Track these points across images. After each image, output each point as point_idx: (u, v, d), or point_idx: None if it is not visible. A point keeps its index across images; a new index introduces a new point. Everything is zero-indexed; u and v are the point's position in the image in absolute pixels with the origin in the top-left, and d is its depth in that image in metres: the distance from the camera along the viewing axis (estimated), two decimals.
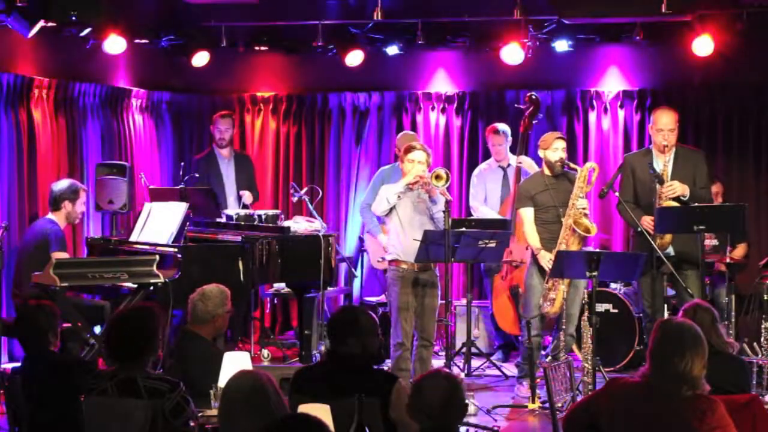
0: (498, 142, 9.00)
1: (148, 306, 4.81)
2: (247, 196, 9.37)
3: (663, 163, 7.66)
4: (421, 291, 7.54)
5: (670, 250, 7.71)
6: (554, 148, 7.62)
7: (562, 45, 9.38)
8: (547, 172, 7.71)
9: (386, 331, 7.86)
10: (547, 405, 6.35)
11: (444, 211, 7.32)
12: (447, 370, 4.00)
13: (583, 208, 7.51)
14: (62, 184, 8.13)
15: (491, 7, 9.24)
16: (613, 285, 8.77)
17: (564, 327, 7.52)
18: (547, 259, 7.50)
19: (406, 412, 4.00)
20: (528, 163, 8.63)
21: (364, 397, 4.22)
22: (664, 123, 7.71)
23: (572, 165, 7.72)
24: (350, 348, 4.69)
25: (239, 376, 3.98)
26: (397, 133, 9.84)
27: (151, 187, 9.12)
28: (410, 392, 3.95)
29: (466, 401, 3.97)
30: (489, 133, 9.09)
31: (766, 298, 7.78)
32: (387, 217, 7.59)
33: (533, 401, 7.36)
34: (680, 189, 7.56)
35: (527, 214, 7.70)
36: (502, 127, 9.04)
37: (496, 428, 6.85)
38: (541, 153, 7.72)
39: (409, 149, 7.53)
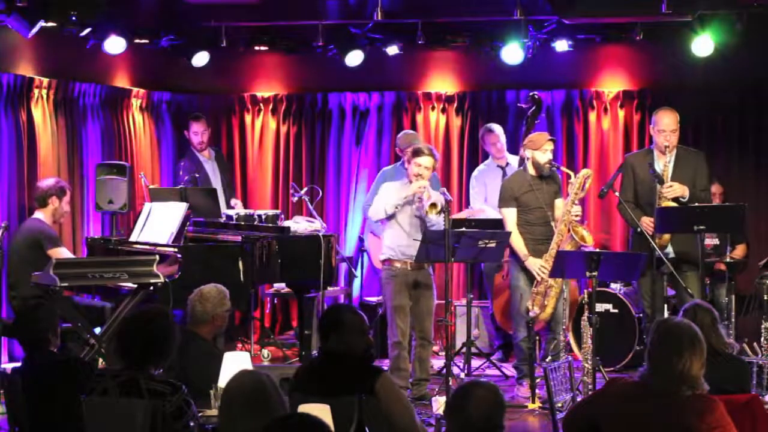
0: (493, 140, 9.02)
1: (164, 310, 4.77)
2: (239, 205, 9.39)
3: (664, 163, 7.66)
4: (416, 291, 7.55)
5: (671, 251, 7.72)
6: (544, 150, 7.63)
7: (562, 45, 9.38)
8: (531, 172, 7.69)
9: (384, 331, 7.87)
10: (547, 405, 6.36)
11: (444, 211, 7.33)
12: (495, 385, 3.89)
13: (576, 215, 7.52)
14: (48, 182, 8.12)
15: (491, 7, 9.24)
16: (613, 285, 8.77)
17: (564, 327, 7.54)
18: (537, 266, 7.50)
19: (444, 413, 3.94)
20: None
21: (363, 396, 4.24)
22: (666, 123, 7.71)
23: (564, 169, 7.73)
24: (333, 345, 4.71)
25: (240, 376, 3.98)
26: (397, 134, 9.84)
27: (151, 187, 9.11)
28: (452, 397, 3.85)
29: (504, 423, 3.81)
30: (483, 135, 9.10)
31: (766, 298, 7.79)
32: (384, 219, 7.61)
33: (533, 401, 7.37)
34: (680, 190, 7.57)
35: (510, 214, 7.68)
36: (495, 126, 9.07)
37: None
38: (528, 153, 7.70)
39: (417, 152, 7.53)
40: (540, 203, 7.61)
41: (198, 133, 9.53)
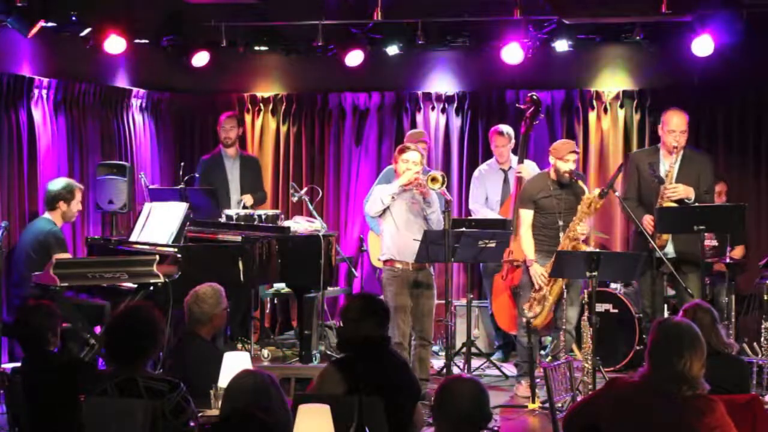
0: (501, 143, 9.00)
1: (145, 305, 4.79)
2: (248, 199, 9.37)
3: (669, 164, 7.66)
4: (417, 291, 7.55)
5: (671, 251, 7.72)
6: (566, 159, 7.63)
7: (562, 45, 9.37)
8: (553, 176, 7.71)
9: None
10: (547, 405, 6.36)
11: (444, 212, 7.33)
12: (473, 377, 3.95)
13: (582, 234, 7.52)
14: (58, 184, 8.12)
15: (491, 7, 9.24)
16: (613, 285, 8.77)
17: (564, 327, 7.54)
18: (539, 273, 7.53)
19: (431, 416, 3.98)
20: (527, 172, 8.56)
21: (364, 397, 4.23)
22: (676, 124, 7.72)
23: (581, 183, 7.70)
24: (377, 332, 4.78)
25: (242, 376, 3.98)
26: (397, 134, 9.87)
27: (151, 187, 9.12)
28: (436, 396, 3.89)
29: (491, 410, 3.90)
30: (492, 135, 9.08)
31: (766, 298, 7.78)
32: (381, 218, 7.60)
33: (533, 401, 7.37)
34: (683, 192, 7.57)
35: (526, 216, 7.70)
36: (506, 128, 9.03)
37: (496, 428, 6.85)
38: (551, 160, 7.73)
39: (402, 149, 7.55)
40: (556, 209, 7.63)
41: (226, 129, 9.56)
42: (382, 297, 7.96)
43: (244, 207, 9.15)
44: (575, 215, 7.52)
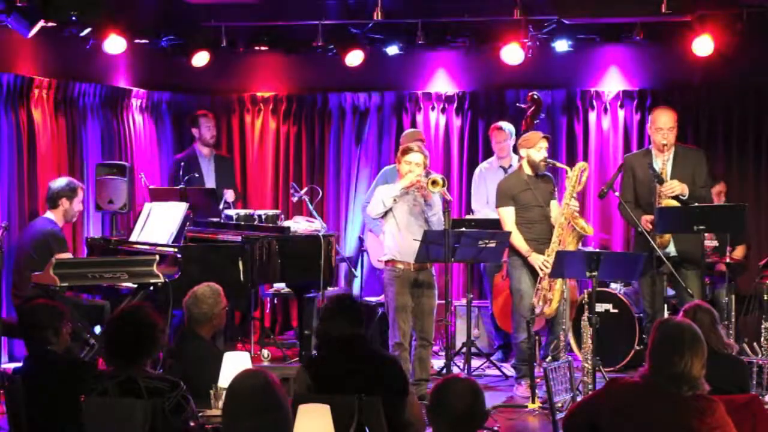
0: (501, 138, 9.01)
1: (144, 305, 4.80)
2: (230, 194, 9.37)
3: (662, 162, 7.67)
4: (418, 291, 7.55)
5: (673, 250, 7.72)
6: (539, 148, 7.67)
7: (562, 45, 9.38)
8: (527, 171, 7.73)
9: (385, 331, 7.88)
10: (547, 405, 6.36)
11: (444, 211, 7.33)
12: (468, 377, 3.98)
13: (575, 208, 7.54)
14: (60, 182, 8.13)
15: (491, 7, 9.24)
16: (613, 285, 8.77)
17: (564, 327, 7.54)
18: (540, 261, 7.52)
19: (427, 417, 4.00)
20: None
21: (364, 396, 4.24)
22: (663, 122, 7.73)
23: (558, 164, 7.75)
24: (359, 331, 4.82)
25: (244, 376, 3.98)
26: (398, 133, 9.84)
27: (151, 187, 9.12)
28: (432, 397, 3.91)
29: (487, 409, 3.92)
30: (492, 131, 9.09)
31: (766, 298, 7.78)
32: (383, 219, 7.60)
33: (533, 401, 7.37)
34: (679, 188, 7.58)
35: (508, 213, 7.71)
36: (506, 125, 9.04)
37: (496, 428, 6.85)
38: (523, 152, 7.75)
39: (406, 150, 7.55)
40: (539, 201, 7.64)
41: (209, 127, 9.58)
42: (382, 297, 7.98)
43: (226, 204, 9.14)
44: (562, 199, 7.55)
